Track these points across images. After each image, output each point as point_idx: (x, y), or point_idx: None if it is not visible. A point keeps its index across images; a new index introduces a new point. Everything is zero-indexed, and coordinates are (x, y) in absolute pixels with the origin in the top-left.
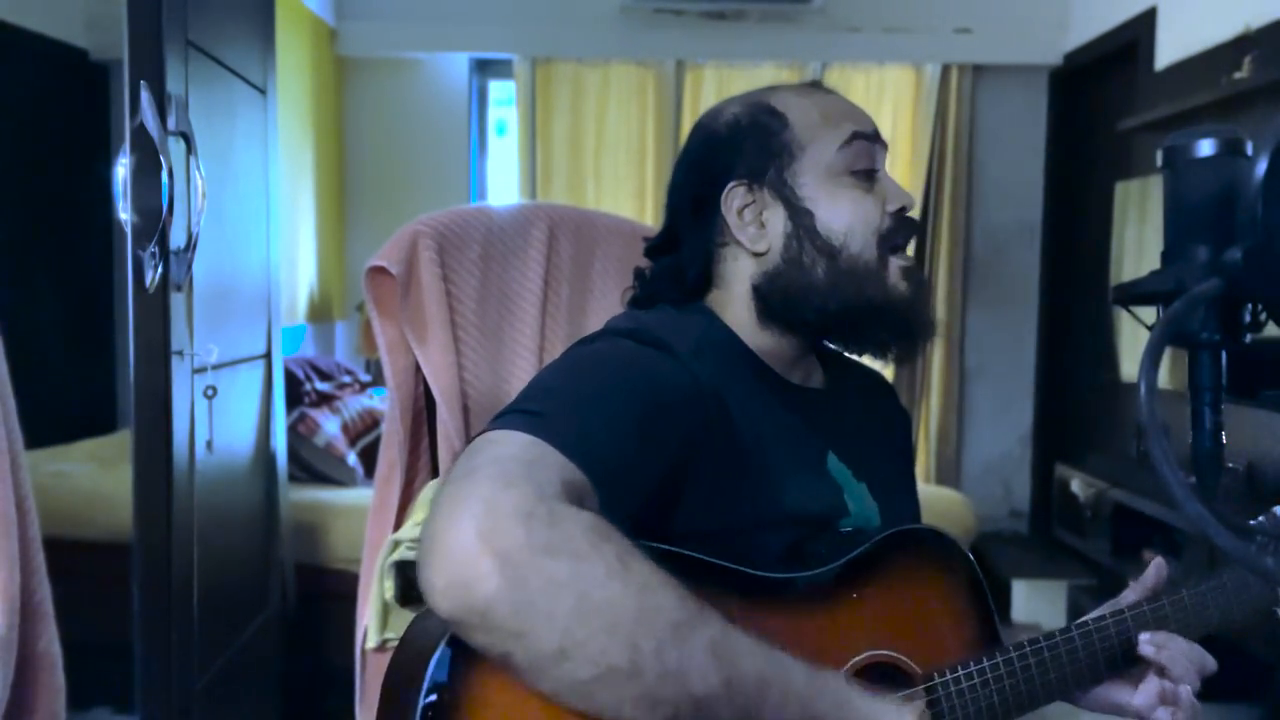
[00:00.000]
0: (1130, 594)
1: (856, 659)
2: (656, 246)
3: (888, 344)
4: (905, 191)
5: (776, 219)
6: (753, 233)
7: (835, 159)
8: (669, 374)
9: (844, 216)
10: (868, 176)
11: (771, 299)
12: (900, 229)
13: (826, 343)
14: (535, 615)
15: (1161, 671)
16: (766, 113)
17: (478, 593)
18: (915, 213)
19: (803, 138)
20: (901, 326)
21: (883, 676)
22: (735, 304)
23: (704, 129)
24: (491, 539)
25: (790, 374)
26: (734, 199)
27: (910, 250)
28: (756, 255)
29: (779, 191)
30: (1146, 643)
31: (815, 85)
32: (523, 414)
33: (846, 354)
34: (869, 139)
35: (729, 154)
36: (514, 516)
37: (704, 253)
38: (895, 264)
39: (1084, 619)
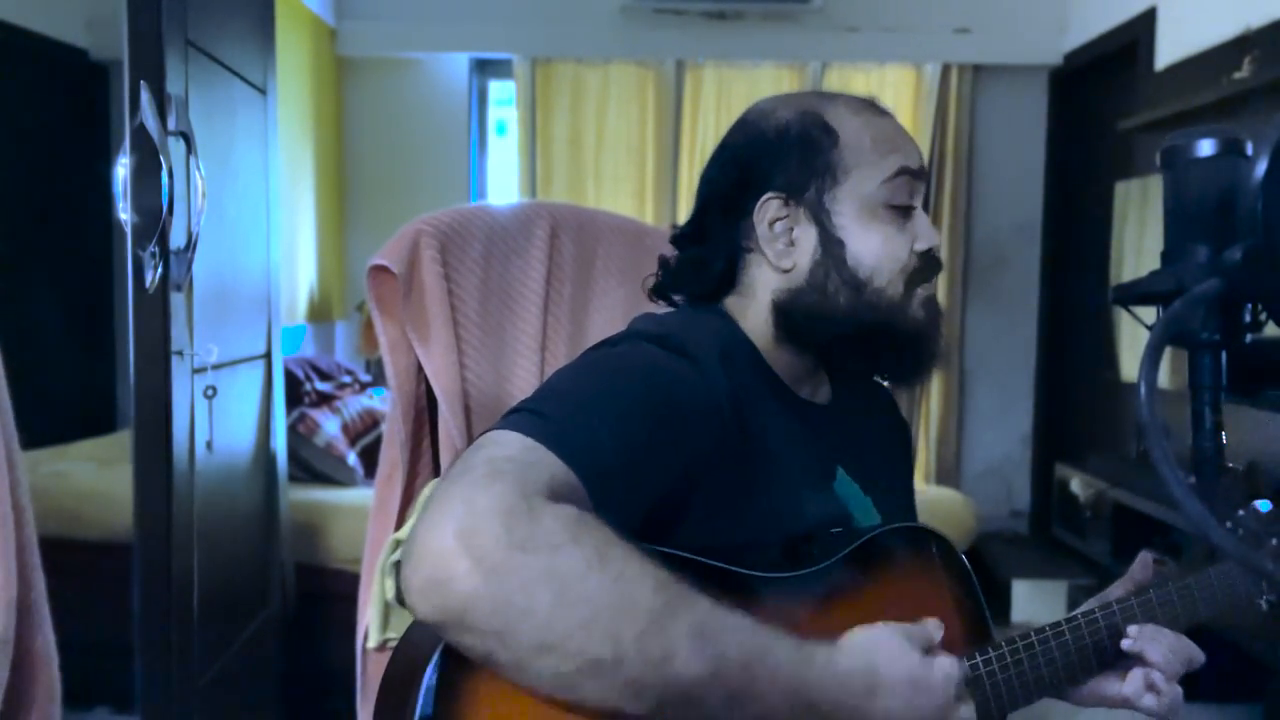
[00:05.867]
0: (1118, 588)
1: None
2: (684, 236)
3: (896, 369)
4: (934, 231)
5: (807, 239)
6: (780, 248)
7: (877, 191)
8: (690, 385)
9: (874, 252)
10: (904, 213)
11: (792, 317)
12: (926, 269)
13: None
14: (513, 612)
15: (1144, 663)
16: (819, 127)
17: (454, 592)
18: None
19: (849, 161)
20: (913, 354)
21: None
22: (753, 313)
23: (751, 127)
24: (469, 538)
25: (800, 388)
26: (768, 210)
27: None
28: (782, 271)
29: (815, 213)
30: (1132, 637)
31: (871, 104)
32: (527, 414)
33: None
34: (914, 175)
35: (771, 161)
36: (492, 515)
37: (729, 253)
38: (919, 294)
39: (1072, 614)
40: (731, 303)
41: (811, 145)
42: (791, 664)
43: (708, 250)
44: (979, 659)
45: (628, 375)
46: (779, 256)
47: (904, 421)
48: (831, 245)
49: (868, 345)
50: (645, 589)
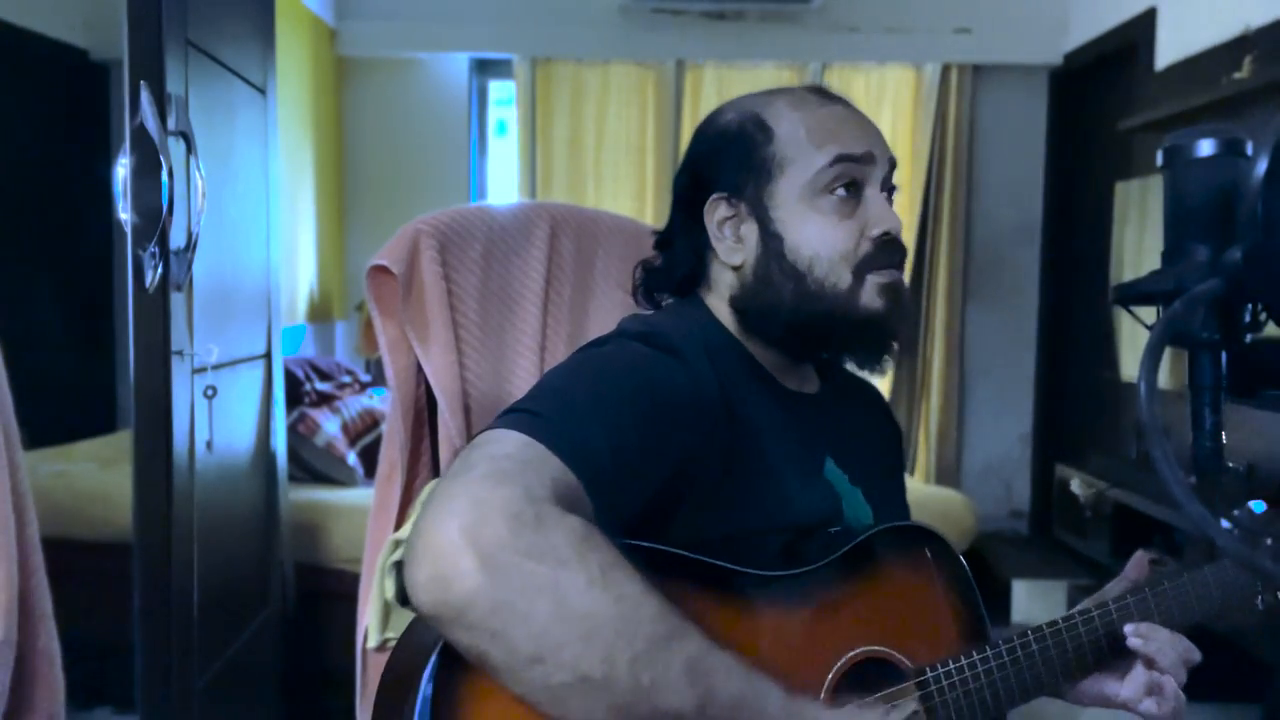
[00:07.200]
0: (1114, 587)
1: (850, 654)
2: (660, 241)
3: (853, 357)
4: (892, 215)
5: (751, 236)
6: (729, 246)
7: (814, 180)
8: (678, 380)
9: (811, 243)
10: (852, 197)
11: (747, 313)
12: (881, 254)
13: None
14: (512, 616)
15: (1150, 663)
16: (755, 124)
17: (457, 589)
18: (908, 232)
19: (785, 155)
20: (865, 343)
21: (876, 671)
22: (723, 309)
23: (700, 132)
24: (475, 536)
25: (786, 379)
26: (716, 210)
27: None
28: (733, 268)
29: (755, 210)
30: (1133, 634)
31: (817, 91)
32: (523, 414)
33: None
34: (856, 160)
35: (716, 163)
36: (500, 516)
37: (692, 256)
38: (873, 281)
39: (1070, 612)
40: (707, 298)
41: (748, 144)
42: (779, 715)
43: (675, 254)
44: (976, 657)
45: (617, 374)
46: (728, 254)
47: (894, 421)
48: (770, 240)
49: (817, 335)
50: (645, 614)
